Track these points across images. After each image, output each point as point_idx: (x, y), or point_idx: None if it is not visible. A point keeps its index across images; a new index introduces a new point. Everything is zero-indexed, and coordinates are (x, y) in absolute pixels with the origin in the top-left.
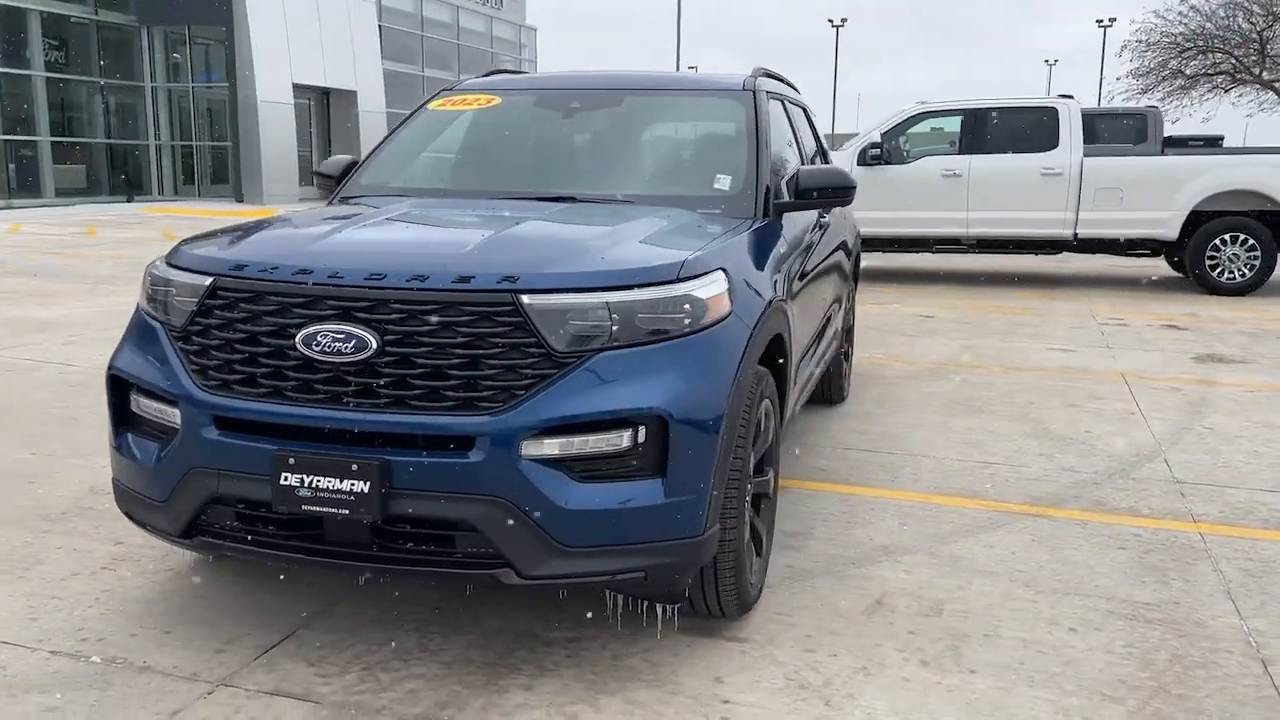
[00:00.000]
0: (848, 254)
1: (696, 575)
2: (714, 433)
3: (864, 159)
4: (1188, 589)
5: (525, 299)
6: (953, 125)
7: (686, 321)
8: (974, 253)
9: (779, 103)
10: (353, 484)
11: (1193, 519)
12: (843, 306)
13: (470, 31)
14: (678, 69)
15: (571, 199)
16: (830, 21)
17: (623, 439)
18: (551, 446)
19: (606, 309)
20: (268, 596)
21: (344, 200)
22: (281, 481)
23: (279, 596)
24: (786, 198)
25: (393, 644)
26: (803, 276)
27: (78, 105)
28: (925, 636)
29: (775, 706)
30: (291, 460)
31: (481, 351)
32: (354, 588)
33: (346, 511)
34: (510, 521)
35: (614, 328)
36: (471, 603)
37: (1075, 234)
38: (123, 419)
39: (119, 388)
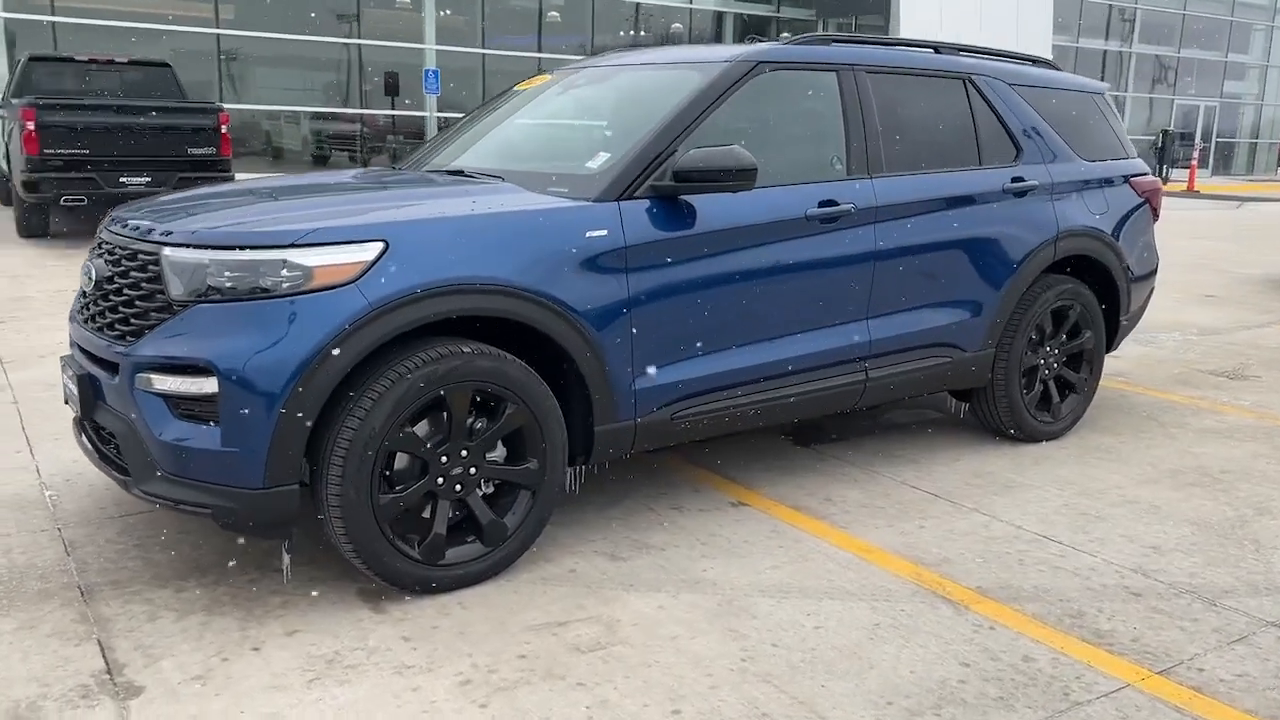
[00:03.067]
0: (1003, 251)
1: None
2: (272, 392)
3: None
4: None
5: (165, 251)
6: None
7: (285, 285)
8: None
9: (831, 76)
10: (74, 389)
11: (1163, 670)
12: (986, 317)
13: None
14: None
15: (460, 173)
16: None
17: (201, 384)
18: (154, 381)
19: (213, 265)
20: None
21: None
22: (64, 380)
23: None
24: (668, 181)
25: (195, 542)
26: (715, 273)
27: None
28: (509, 660)
29: (280, 667)
30: (63, 364)
31: (136, 293)
32: None
33: (77, 411)
34: (131, 440)
35: (225, 284)
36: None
37: None
38: None
39: None
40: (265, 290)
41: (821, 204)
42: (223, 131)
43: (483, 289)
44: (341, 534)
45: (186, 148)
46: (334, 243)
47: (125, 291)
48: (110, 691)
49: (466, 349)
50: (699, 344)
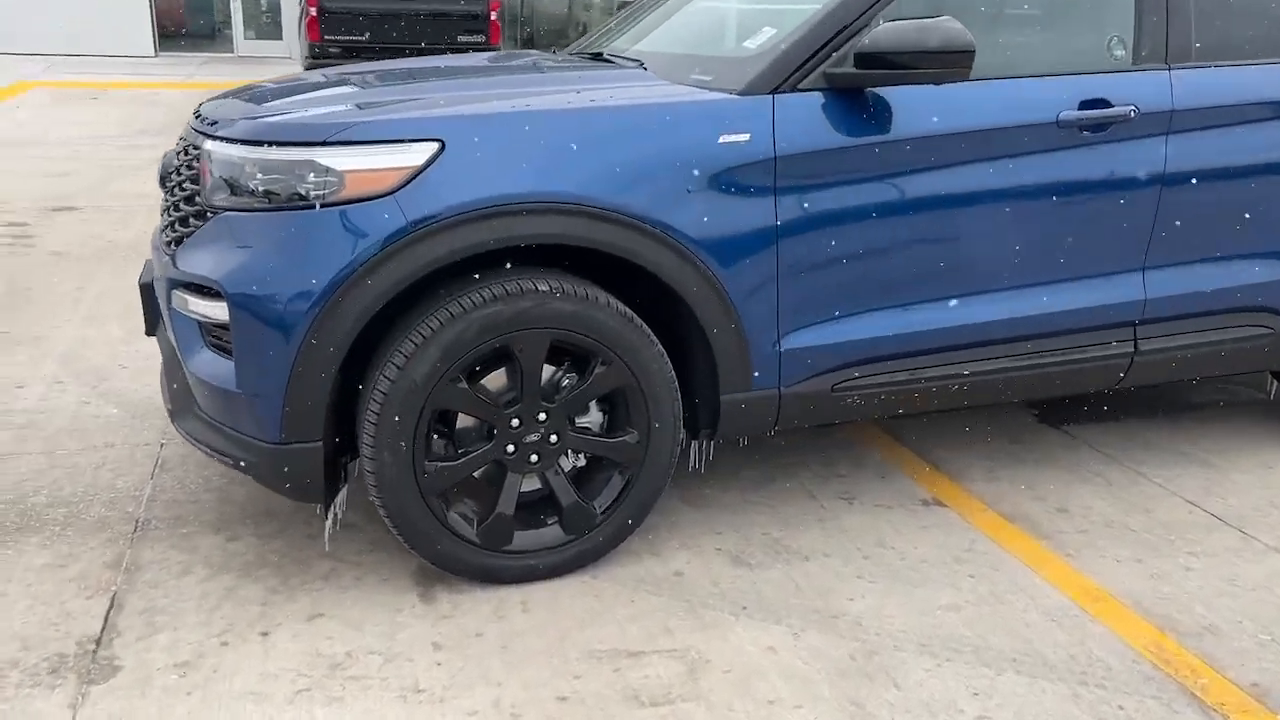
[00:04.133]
0: None
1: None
2: (284, 326)
3: None
4: None
5: (206, 144)
6: None
7: (313, 192)
8: None
9: None
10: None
11: None
12: None
13: None
14: None
15: (599, 55)
16: None
17: (219, 310)
18: (185, 303)
19: (245, 164)
20: None
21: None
22: None
23: None
24: (848, 67)
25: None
26: (909, 198)
27: None
28: (545, 700)
29: (275, 666)
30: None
31: (182, 195)
32: None
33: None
34: (177, 370)
35: (258, 187)
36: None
37: None
38: None
39: None
40: (302, 197)
41: (1085, 104)
42: (492, 19)
43: (561, 209)
44: (379, 505)
45: (458, 35)
46: (373, 141)
47: (176, 192)
48: (82, 669)
49: (543, 287)
50: (879, 294)
